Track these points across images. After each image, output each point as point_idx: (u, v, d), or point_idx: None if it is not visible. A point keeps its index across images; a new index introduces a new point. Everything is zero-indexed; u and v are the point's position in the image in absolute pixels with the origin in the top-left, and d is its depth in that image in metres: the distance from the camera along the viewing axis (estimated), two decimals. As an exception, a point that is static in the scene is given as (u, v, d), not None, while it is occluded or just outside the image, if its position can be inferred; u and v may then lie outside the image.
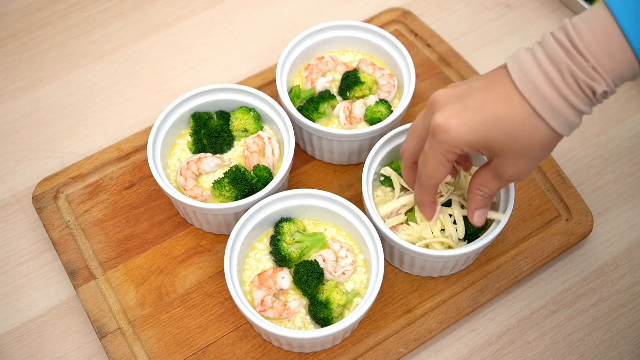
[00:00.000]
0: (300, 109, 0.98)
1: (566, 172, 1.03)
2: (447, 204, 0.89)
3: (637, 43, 0.62)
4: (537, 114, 0.66)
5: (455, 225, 0.87)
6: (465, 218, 0.88)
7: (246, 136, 0.97)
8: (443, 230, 0.88)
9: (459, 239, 0.88)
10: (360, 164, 1.02)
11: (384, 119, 0.96)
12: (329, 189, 0.99)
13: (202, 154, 0.95)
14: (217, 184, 0.90)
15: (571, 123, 0.67)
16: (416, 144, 0.78)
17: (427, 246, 0.86)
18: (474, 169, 0.92)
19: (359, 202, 0.97)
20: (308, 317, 0.85)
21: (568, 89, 0.65)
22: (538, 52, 0.66)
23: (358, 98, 1.00)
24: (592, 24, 0.63)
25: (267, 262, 0.89)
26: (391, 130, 0.93)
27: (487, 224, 0.89)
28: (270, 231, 0.90)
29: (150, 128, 1.03)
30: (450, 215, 0.87)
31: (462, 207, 0.89)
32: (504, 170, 0.72)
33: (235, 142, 0.98)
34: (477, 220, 0.81)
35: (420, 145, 0.77)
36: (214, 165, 0.94)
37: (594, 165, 1.04)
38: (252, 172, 0.92)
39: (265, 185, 0.91)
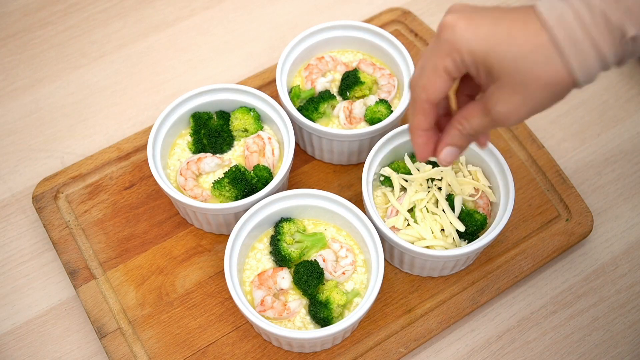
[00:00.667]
0: (300, 109, 0.98)
1: (566, 172, 1.03)
2: (451, 201, 0.89)
3: None
4: (553, 45, 0.60)
5: (453, 225, 0.87)
6: (463, 217, 0.88)
7: (246, 136, 0.97)
8: (443, 230, 0.88)
9: (459, 239, 0.88)
10: (360, 164, 1.02)
11: (384, 119, 0.96)
12: (329, 189, 0.99)
13: (202, 154, 0.95)
14: (217, 184, 0.90)
15: (589, 66, 0.60)
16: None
17: (426, 246, 0.86)
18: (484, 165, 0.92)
19: (359, 202, 0.97)
20: (308, 317, 0.85)
21: (595, 27, 0.59)
22: None
23: (358, 98, 1.00)
24: None
25: (267, 262, 0.89)
26: (391, 130, 0.93)
27: (487, 223, 0.89)
28: (270, 231, 0.90)
29: (150, 128, 1.03)
30: (444, 211, 0.88)
31: (448, 199, 0.89)
32: (495, 103, 0.64)
33: (235, 142, 0.98)
34: (444, 156, 0.72)
35: None
36: (214, 165, 0.94)
37: (594, 165, 1.04)
38: (252, 172, 0.92)
39: (265, 185, 0.91)
